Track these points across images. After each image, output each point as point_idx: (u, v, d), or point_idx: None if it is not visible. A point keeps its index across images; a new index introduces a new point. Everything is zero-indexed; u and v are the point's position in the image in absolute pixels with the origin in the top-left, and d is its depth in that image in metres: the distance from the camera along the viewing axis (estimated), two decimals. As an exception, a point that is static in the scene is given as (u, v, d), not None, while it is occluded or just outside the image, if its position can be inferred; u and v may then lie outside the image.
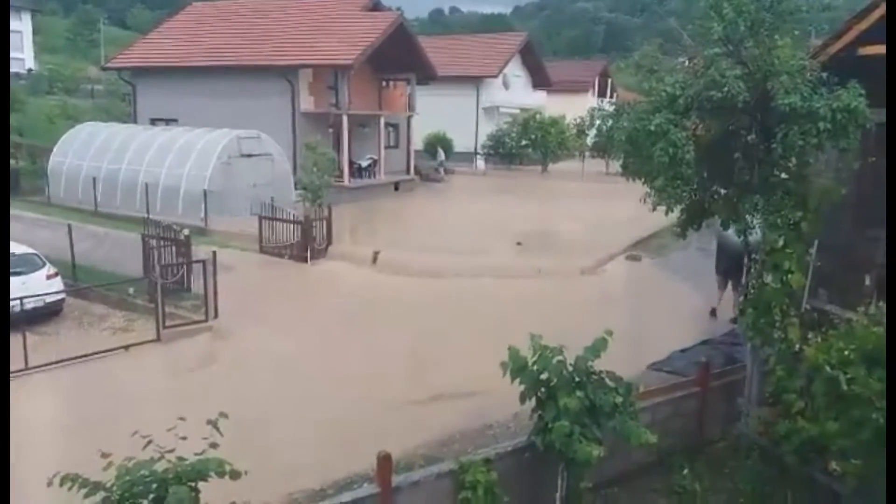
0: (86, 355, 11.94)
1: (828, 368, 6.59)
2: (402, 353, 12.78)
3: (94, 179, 24.93)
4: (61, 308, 14.04)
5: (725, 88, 8.23)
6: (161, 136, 25.94)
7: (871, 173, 10.14)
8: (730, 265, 13.52)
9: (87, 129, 28.34)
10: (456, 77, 39.28)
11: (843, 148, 8.54)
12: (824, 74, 8.47)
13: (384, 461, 6.78)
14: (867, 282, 10.03)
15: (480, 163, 41.56)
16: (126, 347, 12.60)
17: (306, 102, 28.81)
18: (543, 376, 7.16)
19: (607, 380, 7.17)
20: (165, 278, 13.89)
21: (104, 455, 5.44)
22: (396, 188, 31.78)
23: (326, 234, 19.95)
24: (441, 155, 37.81)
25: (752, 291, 8.63)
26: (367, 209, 26.44)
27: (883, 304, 7.31)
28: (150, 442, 5.60)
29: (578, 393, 6.93)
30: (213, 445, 5.64)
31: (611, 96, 54.39)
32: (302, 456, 9.01)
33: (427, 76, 34.05)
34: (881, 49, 9.71)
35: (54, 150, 27.36)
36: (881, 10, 9.65)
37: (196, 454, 5.59)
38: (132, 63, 32.55)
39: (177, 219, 20.01)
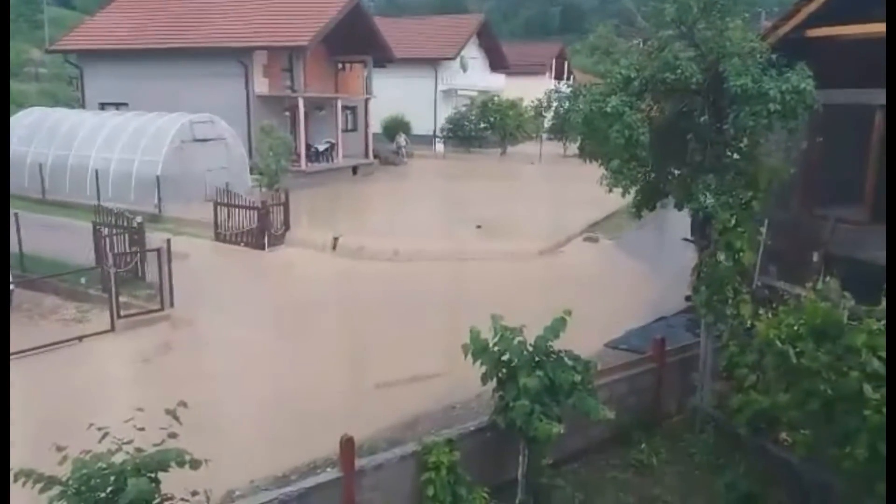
0: (37, 348, 11.62)
1: (778, 343, 6.80)
2: (361, 337, 12.76)
3: (41, 166, 24.13)
4: (10, 300, 13.60)
5: (679, 70, 8.37)
6: (111, 120, 25.20)
7: (818, 154, 10.46)
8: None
9: (33, 115, 27.37)
10: (413, 59, 39.01)
11: (791, 128, 8.76)
12: (774, 56, 8.66)
13: (347, 445, 6.80)
14: (815, 259, 10.37)
15: (439, 146, 41.48)
16: (80, 339, 12.30)
17: (261, 85, 28.30)
18: (504, 357, 7.26)
19: (566, 359, 7.31)
20: (119, 267, 13.55)
21: (59, 449, 5.33)
22: (355, 172, 31.52)
23: (284, 219, 19.69)
24: (401, 138, 37.59)
25: (704, 270, 8.84)
26: (325, 194, 26.20)
27: (830, 280, 7.56)
28: (106, 434, 5.51)
29: (538, 372, 7.06)
30: (172, 435, 5.57)
31: (568, 78, 54.63)
32: (262, 443, 8.96)
33: (384, 58, 33.72)
34: (829, 31, 9.99)
35: (-3, 136, 26.37)
36: (829, -9, 9.89)
37: (155, 445, 5.52)
38: (79, 45, 31.47)
39: (129, 206, 19.51)
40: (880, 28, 9.52)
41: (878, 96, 10.01)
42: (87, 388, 10.51)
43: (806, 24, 10.12)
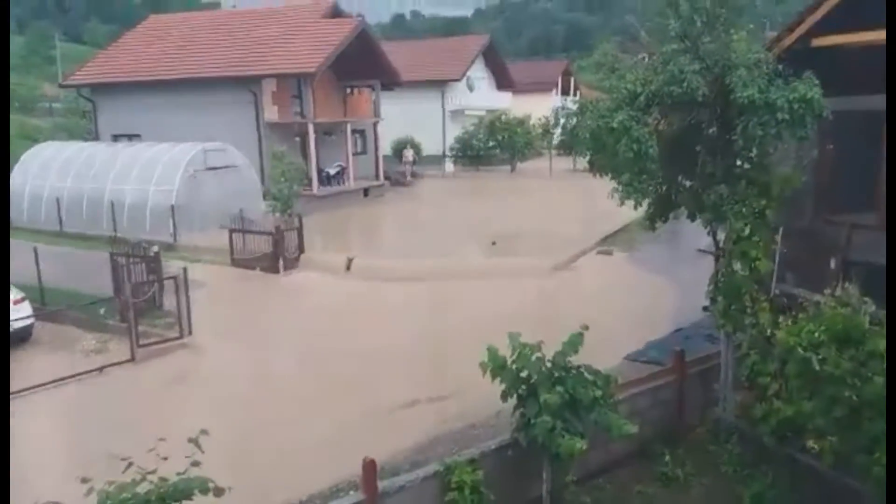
0: (60, 379, 11.73)
1: (800, 350, 6.77)
2: (381, 359, 12.75)
3: (58, 200, 24.46)
4: (30, 333, 13.76)
5: (685, 83, 8.40)
6: (124, 152, 25.53)
7: (829, 161, 10.44)
8: None
9: (48, 149, 27.78)
10: (421, 81, 39.36)
11: (801, 137, 8.76)
12: (780, 66, 8.69)
13: (369, 467, 6.80)
14: (832, 265, 10.31)
15: (449, 165, 41.69)
16: (100, 369, 12.40)
17: (271, 112, 28.62)
18: (523, 374, 7.25)
19: (586, 373, 7.28)
20: (136, 297, 13.69)
21: (84, 480, 5.36)
22: (366, 194, 31.72)
23: (298, 243, 19.83)
24: (409, 154, 37.71)
25: (721, 279, 8.81)
26: (337, 217, 26.37)
27: (849, 286, 7.52)
28: (130, 464, 5.54)
29: (558, 388, 7.03)
30: (196, 464, 5.60)
31: (574, 94, 54.91)
32: (283, 472, 8.97)
33: (392, 82, 34.04)
34: (834, 39, 10.01)
35: (14, 171, 26.77)
36: (831, 2, 9.93)
37: (178, 473, 5.55)
38: (91, 79, 32.00)
39: (145, 235, 19.76)
40: (883, 35, 9.55)
41: (885, 102, 10.00)
42: (110, 418, 10.57)
43: (811, 34, 10.15)
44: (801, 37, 10.20)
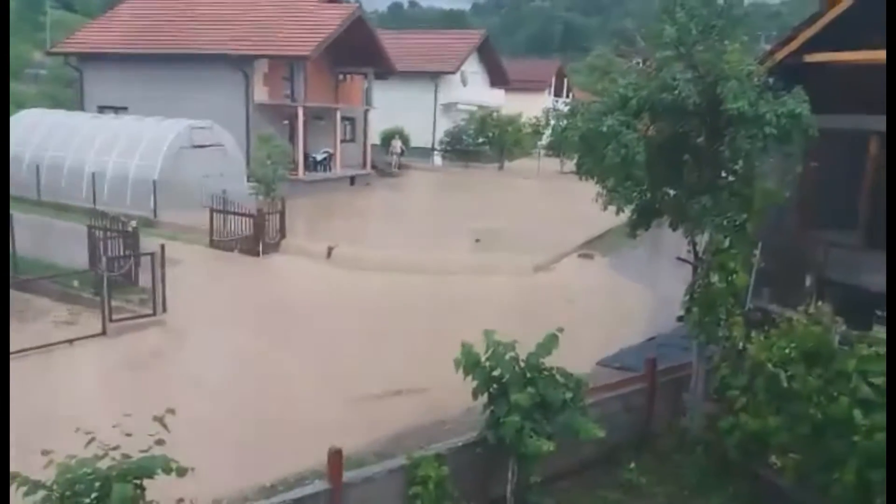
0: (27, 349, 11.55)
1: (769, 366, 6.82)
2: (354, 348, 12.72)
3: (38, 167, 24.09)
4: (1, 301, 13.54)
5: (676, 91, 8.40)
6: (109, 124, 25.21)
7: (814, 178, 10.51)
8: None
9: (31, 116, 27.36)
10: (414, 72, 39.16)
11: (787, 152, 8.81)
12: (771, 80, 8.72)
13: (335, 457, 6.76)
14: (808, 282, 10.39)
15: (438, 159, 41.59)
16: (70, 341, 12.23)
17: (261, 93, 28.36)
18: (496, 372, 7.25)
19: (558, 376, 7.29)
20: (112, 271, 13.51)
21: (44, 452, 5.28)
22: (352, 182, 31.56)
23: (280, 227, 19.69)
24: (397, 144, 37.52)
25: (697, 290, 8.85)
26: (322, 203, 26.20)
27: (822, 305, 7.59)
28: (93, 439, 5.46)
29: (530, 389, 7.04)
30: (160, 442, 5.53)
31: (567, 96, 54.93)
32: (249, 453, 8.91)
33: (385, 71, 33.86)
34: (826, 56, 10.07)
35: (-5, 136, 26.30)
36: (827, 17, 9.98)
37: (142, 451, 5.48)
38: (80, 48, 31.51)
39: (125, 210, 19.48)
40: (876, 55, 9.61)
41: (874, 122, 10.08)
42: (76, 391, 10.44)
43: (803, 50, 10.19)
44: (793, 52, 10.24)
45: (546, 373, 7.27)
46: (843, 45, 9.80)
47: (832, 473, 6.15)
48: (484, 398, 7.41)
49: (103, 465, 5.33)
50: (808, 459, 6.73)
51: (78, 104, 31.59)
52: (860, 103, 9.95)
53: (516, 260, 18.69)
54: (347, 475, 6.90)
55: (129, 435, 5.58)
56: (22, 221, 16.14)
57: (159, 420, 5.62)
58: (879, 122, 10.02)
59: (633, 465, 8.79)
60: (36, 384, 10.70)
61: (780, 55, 10.33)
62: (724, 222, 8.63)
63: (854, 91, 10.09)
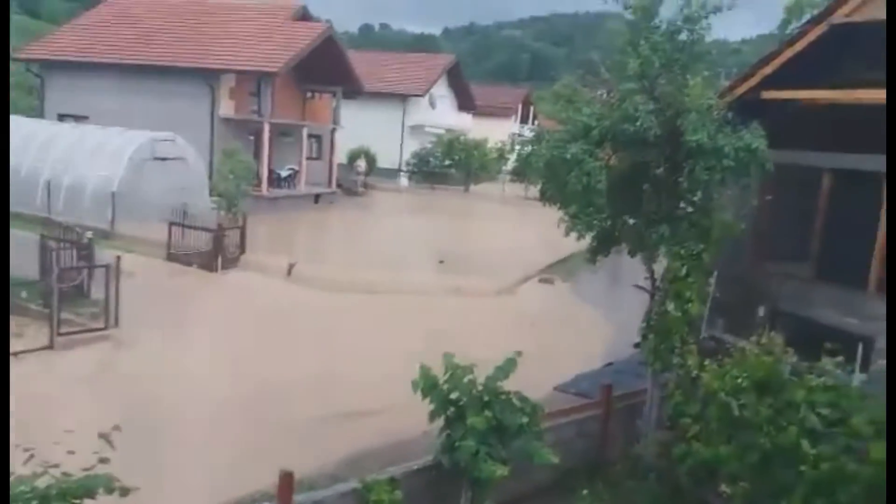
0: (-33, 361, 11.11)
1: (722, 394, 6.90)
2: (307, 368, 12.51)
3: (-9, 174, 23.39)
4: (-58, 310, 13.05)
5: (638, 122, 8.58)
6: (69, 132, 24.66)
7: (769, 211, 10.80)
8: None
9: (-14, 121, 26.62)
10: (383, 93, 39.33)
11: (744, 185, 9.04)
12: (730, 114, 8.96)
13: (285, 479, 6.61)
14: (760, 313, 10.61)
15: (403, 180, 41.66)
16: (14, 354, 11.80)
17: (227, 108, 28.10)
18: (453, 395, 7.20)
19: (515, 400, 7.27)
20: (63, 283, 13.13)
21: (-22, 469, 5.06)
22: (317, 200, 31.37)
23: (240, 243, 19.43)
24: (361, 164, 37.46)
25: (654, 318, 8.96)
26: (284, 220, 25.96)
27: (774, 335, 7.73)
28: (32, 456, 5.25)
29: (486, 412, 7.00)
30: (104, 460, 5.34)
31: (532, 123, 55.67)
32: (196, 476, 8.67)
33: (354, 90, 33.91)
34: (782, 94, 10.41)
35: (-53, 140, 25.52)
36: (783, 56, 10.34)
37: (84, 469, 5.28)
38: (42, 55, 30.91)
39: (81, 220, 19.00)
40: (829, 95, 9.99)
41: (827, 160, 10.43)
42: (17, 406, 10.03)
43: (761, 87, 10.52)
44: (751, 88, 10.56)
45: (503, 396, 7.25)
46: (799, 84, 10.15)
47: (779, 502, 6.23)
48: (440, 421, 7.35)
49: (42, 483, 5.12)
50: (756, 488, 6.81)
51: (38, 111, 30.91)
52: (814, 141, 10.29)
53: (478, 283, 18.73)
54: (298, 498, 6.76)
55: (71, 452, 5.39)
56: (-30, 229, 15.59)
57: (104, 437, 5.44)
58: (832, 160, 10.40)
59: (585, 491, 8.78)
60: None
61: (739, 91, 10.65)
62: (682, 251, 8.79)
63: (809, 129, 10.44)
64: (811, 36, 10.09)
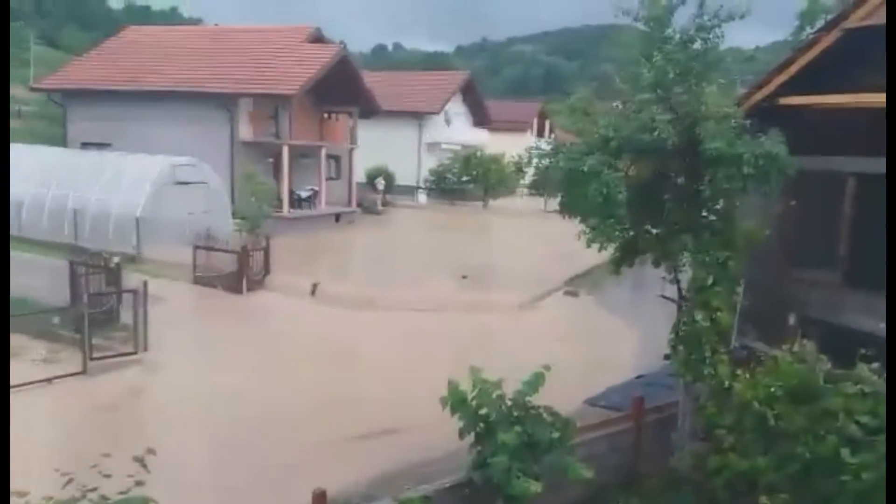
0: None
1: (756, 404, 6.81)
2: (335, 387, 12.56)
3: (20, 204, 23.86)
4: (-23, 339, 13.27)
5: (656, 132, 8.56)
6: (92, 160, 25.10)
7: (794, 217, 10.68)
8: None
9: (12, 152, 27.11)
10: (399, 112, 39.60)
11: (765, 192, 8.97)
12: (748, 122, 8.91)
13: (319, 499, 6.63)
14: (791, 321, 10.47)
15: (422, 197, 41.82)
16: (49, 380, 11.99)
17: (246, 131, 28.47)
18: (482, 411, 7.18)
19: (545, 415, 7.24)
20: (93, 308, 13.33)
21: (20, 494, 5.14)
22: (337, 220, 31.59)
23: (264, 264, 19.61)
24: (380, 183, 37.72)
25: (682, 328, 8.88)
26: (306, 240, 26.15)
27: (807, 343, 7.63)
28: (70, 480, 5.32)
29: (517, 428, 6.97)
30: (139, 483, 5.40)
31: (549, 136, 55.72)
32: (231, 495, 8.71)
33: (370, 110, 34.21)
34: (800, 100, 10.33)
35: (-25, 172, 26.04)
36: (798, 63, 10.28)
37: (121, 493, 5.34)
38: (64, 84, 31.58)
39: (107, 246, 19.32)
40: (848, 99, 9.88)
41: (850, 164, 10.31)
42: (54, 430, 10.19)
43: (778, 93, 10.44)
44: (768, 95, 10.49)
45: (533, 412, 7.21)
46: (815, 90, 10.08)
47: (821, 513, 6.13)
48: (471, 438, 7.33)
49: (81, 507, 5.19)
50: (796, 499, 6.69)
51: (62, 140, 31.51)
52: (837, 145, 10.18)
53: (503, 298, 18.70)
54: (332, 517, 6.77)
55: (107, 476, 5.46)
56: (1, 258, 15.90)
57: (139, 460, 5.50)
58: (855, 164, 10.26)
59: (620, 505, 8.70)
60: (12, 423, 10.42)
61: (755, 98, 10.58)
62: (707, 260, 8.72)
63: (831, 133, 10.34)
64: (826, 41, 10.03)
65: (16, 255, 19.32)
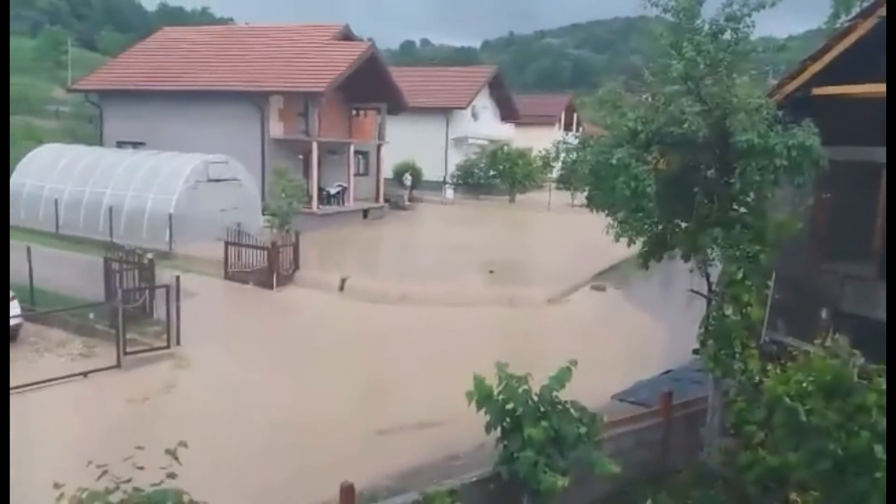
0: (42, 381, 11.61)
1: (787, 399, 6.71)
2: (365, 382, 12.68)
3: (56, 201, 24.45)
4: (17, 333, 13.65)
5: (685, 124, 8.45)
6: (127, 158, 25.62)
7: (826, 209, 10.48)
8: None
9: (50, 151, 27.85)
10: (426, 107, 39.62)
11: (798, 184, 8.80)
12: (780, 113, 8.75)
13: (347, 492, 6.70)
14: (823, 315, 10.28)
15: (449, 192, 41.80)
16: (85, 374, 12.29)
17: (276, 128, 28.76)
18: (509, 406, 7.17)
19: (572, 410, 7.21)
20: (127, 303, 13.61)
21: (57, 486, 5.28)
22: (366, 216, 31.76)
23: (293, 260, 19.81)
24: (407, 179, 37.86)
25: (712, 323, 8.78)
26: (335, 236, 26.35)
27: (839, 338, 7.49)
28: (105, 472, 5.46)
29: (543, 423, 6.96)
30: (172, 475, 5.52)
31: (577, 130, 55.31)
32: (262, 489, 8.84)
33: (398, 106, 34.28)
34: (834, 90, 10.11)
35: (15, 171, 26.76)
36: (833, 52, 10.05)
37: (153, 484, 5.46)
38: (100, 85, 32.19)
39: (141, 243, 19.71)
40: (884, 88, 9.64)
41: (885, 155, 10.07)
42: (89, 423, 10.44)
43: (811, 83, 10.24)
44: (801, 85, 10.29)
45: (560, 406, 7.20)
46: (850, 79, 9.85)
47: (854, 511, 6.02)
48: (497, 432, 7.34)
49: (115, 498, 5.32)
50: (828, 496, 6.58)
51: (97, 139, 32.19)
52: (870, 135, 9.94)
53: (530, 292, 18.65)
54: (359, 510, 6.84)
55: (140, 468, 5.58)
56: (39, 254, 16.33)
57: (171, 453, 5.62)
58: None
59: (649, 501, 8.62)
60: (49, 417, 10.73)
61: (788, 88, 10.39)
62: (737, 254, 8.60)
63: (864, 123, 10.10)
64: (862, 29, 9.79)
65: (52, 252, 19.85)
